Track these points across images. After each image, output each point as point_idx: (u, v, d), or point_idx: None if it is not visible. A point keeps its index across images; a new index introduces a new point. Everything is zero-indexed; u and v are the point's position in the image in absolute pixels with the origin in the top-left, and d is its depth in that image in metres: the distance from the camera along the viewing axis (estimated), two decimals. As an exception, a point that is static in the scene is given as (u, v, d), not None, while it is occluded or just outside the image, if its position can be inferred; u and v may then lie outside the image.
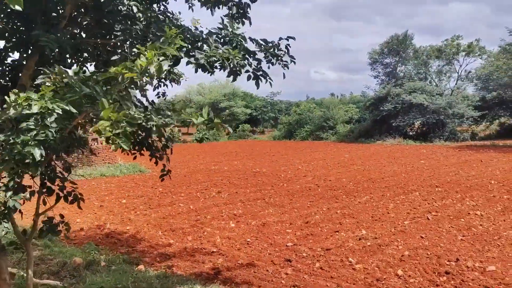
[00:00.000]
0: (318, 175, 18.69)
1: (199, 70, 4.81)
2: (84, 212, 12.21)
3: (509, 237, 8.81)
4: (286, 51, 5.36)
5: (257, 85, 5.11)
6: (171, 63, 4.50)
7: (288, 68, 5.35)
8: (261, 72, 5.17)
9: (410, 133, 37.85)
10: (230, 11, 5.58)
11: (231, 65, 4.81)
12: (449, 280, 6.69)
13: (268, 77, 5.20)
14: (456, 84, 39.28)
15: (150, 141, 5.38)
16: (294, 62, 5.35)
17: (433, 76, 39.96)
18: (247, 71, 5.15)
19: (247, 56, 5.10)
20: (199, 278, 6.84)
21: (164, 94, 6.97)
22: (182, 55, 4.75)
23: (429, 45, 39.92)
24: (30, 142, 3.18)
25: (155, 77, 3.45)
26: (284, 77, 5.40)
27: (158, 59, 3.38)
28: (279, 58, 5.34)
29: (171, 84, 6.77)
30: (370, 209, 11.85)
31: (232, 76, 4.88)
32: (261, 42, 5.34)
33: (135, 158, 5.55)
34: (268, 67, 5.26)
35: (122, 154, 22.49)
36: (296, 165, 22.67)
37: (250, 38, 5.33)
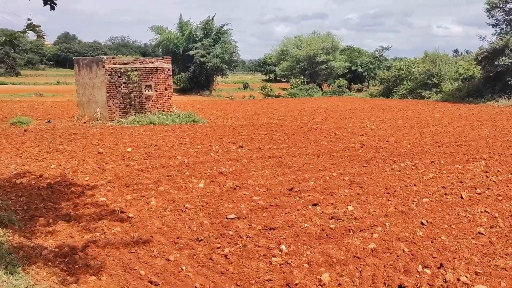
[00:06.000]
0: (378, 135, 15.63)
1: None
2: (74, 158, 11.14)
3: None
4: None
5: None
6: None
7: None
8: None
9: (534, 94, 31.17)
10: None
11: None
12: (392, 303, 4.03)
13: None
14: None
15: None
16: None
17: None
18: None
19: None
20: (56, 252, 5.06)
21: None
22: None
23: None
24: None
25: None
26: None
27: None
28: None
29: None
30: (395, 179, 8.97)
31: None
32: None
33: None
34: None
35: (177, 103, 20.78)
36: (365, 123, 19.58)
37: None
